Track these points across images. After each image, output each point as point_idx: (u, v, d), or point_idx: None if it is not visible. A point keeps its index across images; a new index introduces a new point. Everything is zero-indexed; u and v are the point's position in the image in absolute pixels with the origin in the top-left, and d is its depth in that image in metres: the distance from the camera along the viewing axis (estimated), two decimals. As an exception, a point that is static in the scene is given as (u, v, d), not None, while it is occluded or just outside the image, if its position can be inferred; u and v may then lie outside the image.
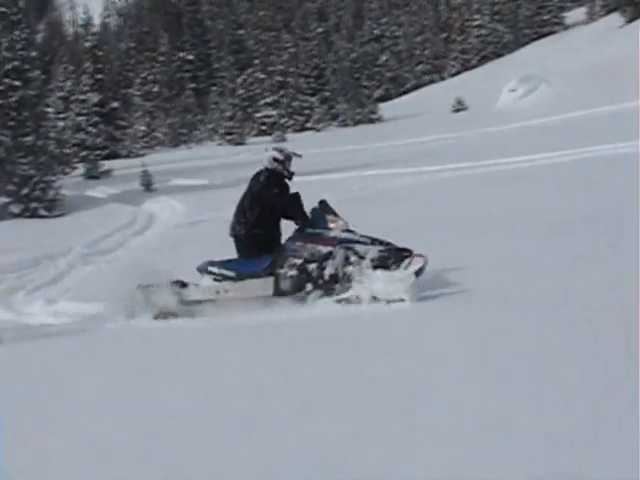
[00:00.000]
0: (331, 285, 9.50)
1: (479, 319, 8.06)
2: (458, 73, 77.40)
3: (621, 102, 33.35)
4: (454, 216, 15.77)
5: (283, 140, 53.80)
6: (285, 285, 9.66)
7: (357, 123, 61.93)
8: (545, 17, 79.64)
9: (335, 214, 10.09)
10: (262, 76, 70.92)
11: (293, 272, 9.67)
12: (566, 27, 78.78)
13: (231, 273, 10.04)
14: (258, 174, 10.34)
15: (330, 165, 31.13)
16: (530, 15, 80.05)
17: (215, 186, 30.14)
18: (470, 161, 25.79)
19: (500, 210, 15.55)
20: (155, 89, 75.83)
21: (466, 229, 13.96)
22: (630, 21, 66.63)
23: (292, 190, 10.33)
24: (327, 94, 70.34)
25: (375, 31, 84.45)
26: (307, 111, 66.31)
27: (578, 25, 77.14)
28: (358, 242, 9.67)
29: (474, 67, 76.69)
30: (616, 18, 68.49)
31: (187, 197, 28.10)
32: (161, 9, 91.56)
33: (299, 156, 10.48)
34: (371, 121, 61.54)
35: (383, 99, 72.95)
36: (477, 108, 51.39)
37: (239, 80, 68.58)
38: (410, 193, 21.62)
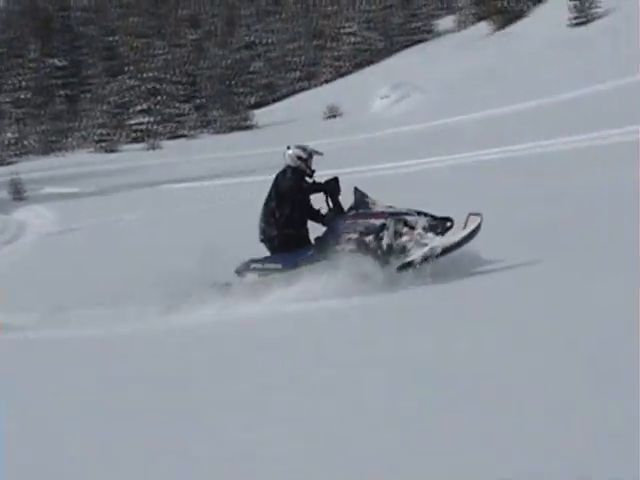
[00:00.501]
0: (388, 256, 9.48)
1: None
2: (331, 80, 78.15)
3: (489, 109, 34.33)
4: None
5: (159, 147, 53.44)
6: (346, 260, 9.55)
7: (231, 130, 61.96)
8: (416, 25, 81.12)
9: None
10: (134, 83, 70.21)
11: (351, 247, 9.67)
12: (437, 35, 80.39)
13: (277, 265, 10.04)
14: (282, 173, 10.32)
15: (198, 173, 31.01)
16: (401, 23, 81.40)
17: (87, 194, 29.75)
18: (339, 168, 26.03)
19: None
20: (25, 96, 74.22)
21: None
22: (498, 29, 68.60)
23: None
24: (200, 101, 70.14)
25: (248, 38, 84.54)
26: (180, 118, 66.03)
27: (448, 33, 78.84)
28: (407, 214, 9.75)
29: (347, 74, 77.57)
30: (485, 26, 70.38)
31: (59, 205, 27.66)
32: (31, 14, 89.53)
33: (321, 154, 10.50)
34: (245, 128, 61.64)
35: (257, 106, 73.10)
36: (350, 115, 52.07)
37: (111, 87, 67.75)
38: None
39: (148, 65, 74.42)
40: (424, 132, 34.83)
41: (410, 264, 9.24)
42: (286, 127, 55.07)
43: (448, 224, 9.54)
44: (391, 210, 9.82)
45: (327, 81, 78.52)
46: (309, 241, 10.23)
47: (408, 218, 9.65)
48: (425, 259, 9.14)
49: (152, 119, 64.80)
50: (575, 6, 58.39)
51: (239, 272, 10.28)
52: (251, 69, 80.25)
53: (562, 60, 43.89)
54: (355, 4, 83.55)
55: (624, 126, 21.51)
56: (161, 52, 73.78)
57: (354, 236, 9.62)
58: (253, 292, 9.78)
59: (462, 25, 77.82)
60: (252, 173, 29.46)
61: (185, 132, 64.52)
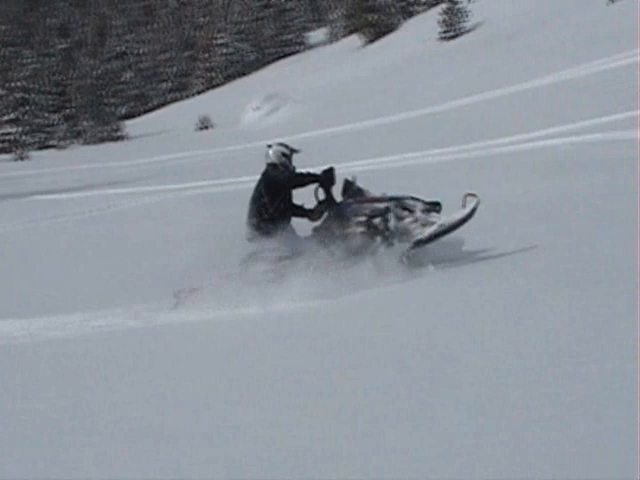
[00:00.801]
0: (394, 239, 9.75)
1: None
2: (203, 91, 77.98)
3: (359, 121, 34.78)
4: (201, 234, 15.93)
5: (27, 158, 52.25)
6: (357, 242, 9.77)
7: (101, 141, 61.12)
8: (288, 37, 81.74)
9: None
10: (1, 92, 68.50)
11: (361, 229, 9.87)
12: (309, 47, 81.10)
13: (286, 252, 10.12)
14: (268, 170, 10.36)
15: (68, 184, 30.49)
16: (274, 35, 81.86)
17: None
18: (212, 179, 26.06)
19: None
20: None
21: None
22: (369, 42, 69.68)
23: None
24: (70, 111, 68.94)
25: (119, 48, 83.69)
26: (49, 128, 64.79)
27: (320, 45, 79.62)
28: (404, 198, 10.07)
29: (219, 85, 77.55)
30: (356, 39, 71.36)
31: None
32: None
33: (299, 151, 10.46)
34: (116, 139, 60.92)
35: (128, 117, 72.35)
36: (222, 126, 51.97)
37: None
38: (153, 211, 21.56)
39: (16, 74, 72.72)
40: (294, 144, 34.96)
41: (422, 241, 9.66)
42: (157, 138, 54.63)
43: (438, 207, 9.99)
44: (389, 195, 10.16)
45: (199, 92, 78.34)
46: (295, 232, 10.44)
47: (406, 202, 10.01)
48: (436, 235, 9.62)
49: (20, 129, 63.35)
50: (444, 20, 59.83)
51: (246, 263, 10.34)
52: (122, 79, 79.44)
53: (432, 73, 44.82)
54: (227, 16, 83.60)
55: (486, 140, 22.13)
56: (29, 61, 72.29)
57: (362, 219, 9.89)
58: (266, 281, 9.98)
59: (334, 38, 78.75)
60: (123, 184, 29.10)
61: (55, 143, 63.33)
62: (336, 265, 9.64)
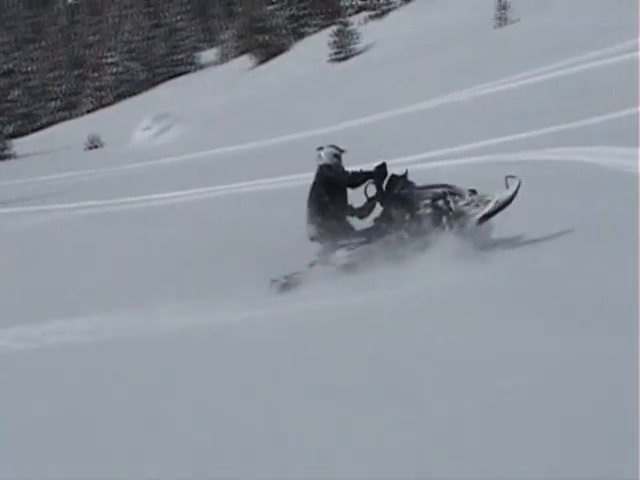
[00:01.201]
0: (455, 220, 10.45)
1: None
2: (93, 110, 76.97)
3: (249, 142, 34.76)
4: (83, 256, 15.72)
5: None
6: (427, 223, 10.40)
7: (-12, 160, 59.75)
8: (179, 57, 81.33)
9: None
10: None
11: (429, 210, 10.48)
12: (200, 67, 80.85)
13: (363, 239, 10.67)
14: (323, 171, 10.87)
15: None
16: (164, 54, 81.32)
17: None
18: (101, 199, 25.69)
19: (129, 249, 15.65)
20: None
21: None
22: (260, 63, 69.88)
23: None
24: (-46, 129, 67.27)
25: (6, 66, 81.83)
26: None
27: (211, 65, 79.44)
28: (452, 186, 10.78)
29: (109, 104, 76.66)
30: (247, 60, 71.49)
31: None
32: None
33: (345, 151, 11.09)
34: (3, 157, 59.59)
35: (16, 135, 70.84)
36: (112, 146, 51.35)
37: None
38: (42, 233, 21.17)
39: None
40: (187, 164, 34.82)
41: (487, 215, 10.40)
42: (46, 157, 53.63)
43: (477, 192, 10.78)
44: (440, 183, 10.88)
45: (89, 111, 77.30)
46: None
47: (455, 188, 10.75)
48: (495, 211, 10.36)
49: None
50: (335, 42, 60.43)
51: (324, 255, 10.80)
52: (9, 97, 77.79)
53: (322, 94, 45.15)
54: (117, 34, 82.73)
55: (377, 161, 22.35)
56: None
57: (428, 202, 10.53)
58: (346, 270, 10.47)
59: (225, 58, 78.69)
60: (10, 204, 28.47)
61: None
62: (408, 246, 10.22)
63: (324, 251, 10.84)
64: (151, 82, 79.14)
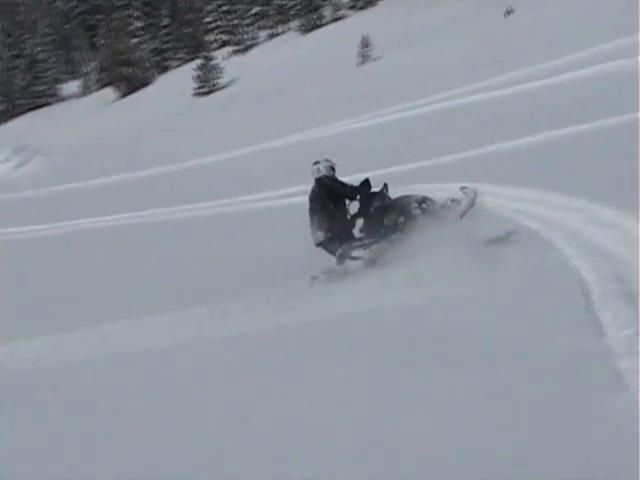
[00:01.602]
0: (439, 216, 11.50)
1: None
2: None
3: (112, 175, 34.25)
4: None
5: None
6: (419, 221, 11.45)
7: None
8: (40, 88, 79.75)
9: None
10: None
11: (419, 211, 11.65)
12: (62, 99, 79.53)
13: (375, 238, 11.65)
14: (326, 180, 11.87)
15: None
16: (25, 85, 79.64)
17: None
18: None
19: None
20: None
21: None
22: (123, 96, 69.20)
23: None
24: None
25: None
26: None
27: (74, 98, 78.24)
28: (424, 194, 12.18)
29: (-33, 136, 74.57)
30: (110, 93, 70.70)
31: None
32: None
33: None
34: None
35: None
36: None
37: None
38: None
39: None
40: (47, 197, 34.08)
41: (465, 211, 11.57)
42: None
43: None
44: (415, 194, 12.29)
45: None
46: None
47: (428, 195, 12.19)
48: (470, 207, 11.63)
49: None
50: (199, 76, 60.30)
51: (342, 256, 11.62)
52: None
53: (185, 128, 44.91)
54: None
55: (239, 196, 22.37)
56: None
57: (416, 204, 11.73)
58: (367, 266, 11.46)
59: (88, 90, 77.68)
60: None
61: None
62: (409, 240, 11.23)
63: (344, 251, 11.66)
64: (11, 113, 77.34)
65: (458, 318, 7.90)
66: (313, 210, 11.75)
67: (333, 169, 12.05)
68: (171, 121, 50.02)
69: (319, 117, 33.80)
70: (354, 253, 11.75)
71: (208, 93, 59.34)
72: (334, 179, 11.93)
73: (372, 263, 11.45)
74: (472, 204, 11.74)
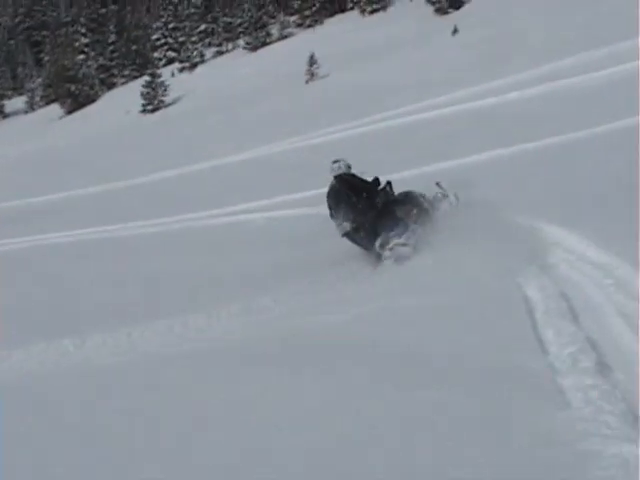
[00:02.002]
0: (434, 208, 12.90)
1: None
2: None
3: (54, 192, 33.86)
4: None
5: None
6: (428, 212, 12.70)
7: None
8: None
9: None
10: None
11: (427, 204, 12.85)
12: (5, 115, 78.75)
13: (411, 227, 12.32)
14: (342, 177, 12.81)
15: None
16: (-33, 101, 78.83)
17: None
18: None
19: None
20: None
21: None
22: (69, 113, 68.67)
23: None
24: None
25: None
26: None
27: (18, 114, 77.48)
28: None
29: None
30: (56, 109, 70.11)
31: None
32: None
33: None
34: None
35: None
36: None
37: None
38: None
39: None
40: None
41: (454, 203, 12.97)
42: None
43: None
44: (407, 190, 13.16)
45: None
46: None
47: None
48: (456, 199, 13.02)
49: None
50: (147, 93, 60.02)
51: (383, 245, 12.09)
52: None
53: (131, 146, 44.70)
54: None
55: (186, 213, 22.25)
56: None
57: (422, 199, 12.87)
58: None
59: (33, 107, 76.95)
60: None
61: None
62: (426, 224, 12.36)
63: (381, 245, 12.18)
64: (-48, 129, 76.44)
65: (398, 331, 7.86)
66: (336, 204, 12.69)
67: (349, 167, 13.10)
68: (118, 138, 49.75)
69: (269, 134, 33.80)
70: (395, 240, 12.28)
71: (155, 110, 59.12)
72: (353, 175, 12.95)
73: (414, 249, 12.12)
74: (457, 198, 12.96)
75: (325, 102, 38.76)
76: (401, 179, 17.80)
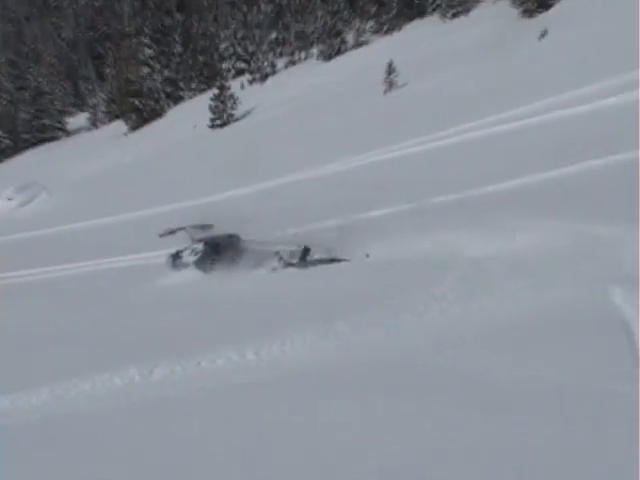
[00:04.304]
0: None
1: None
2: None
3: (123, 213, 34.48)
4: None
5: None
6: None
7: None
8: (45, 121, 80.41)
9: None
10: None
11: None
12: (69, 133, 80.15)
13: None
14: None
15: None
16: (29, 119, 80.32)
17: None
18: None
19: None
20: None
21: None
22: (135, 129, 69.74)
23: None
24: None
25: None
26: None
27: (82, 131, 78.88)
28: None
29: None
30: (121, 125, 71.27)
31: None
32: None
33: None
34: None
35: None
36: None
37: None
38: None
39: None
40: (53, 237, 34.33)
41: None
42: None
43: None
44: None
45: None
46: None
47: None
48: None
49: None
50: (217, 107, 60.58)
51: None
52: None
53: (202, 162, 45.25)
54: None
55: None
56: None
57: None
58: None
59: (96, 123, 78.31)
60: None
61: None
62: None
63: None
64: (15, 149, 78.07)
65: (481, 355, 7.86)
66: None
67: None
68: (185, 154, 50.33)
69: (344, 147, 33.94)
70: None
71: (224, 125, 59.67)
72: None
73: None
74: None
75: (404, 113, 38.76)
76: (479, 195, 17.82)
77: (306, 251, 16.71)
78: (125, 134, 69.75)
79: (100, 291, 19.44)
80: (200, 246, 17.56)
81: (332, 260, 16.30)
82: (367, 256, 15.81)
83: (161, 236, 16.50)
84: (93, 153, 63.83)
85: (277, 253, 16.91)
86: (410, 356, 8.49)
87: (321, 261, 16.18)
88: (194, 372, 9.95)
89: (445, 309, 10.37)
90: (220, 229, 18.30)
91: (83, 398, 9.47)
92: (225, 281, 16.52)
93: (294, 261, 16.53)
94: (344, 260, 16.14)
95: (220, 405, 8.03)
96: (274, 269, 16.61)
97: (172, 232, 16.61)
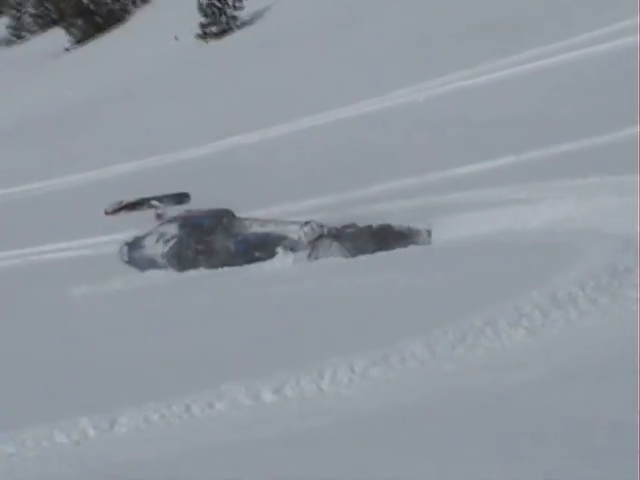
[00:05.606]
0: None
1: None
2: None
3: (58, 177, 34.96)
4: None
5: None
6: None
7: None
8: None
9: None
10: None
11: None
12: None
13: None
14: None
15: None
16: None
17: None
18: None
19: None
20: None
21: None
22: (81, 42, 70.02)
23: None
24: None
25: None
26: None
27: (1, 45, 79.35)
28: None
29: None
30: (61, 36, 71.49)
31: None
32: None
33: None
34: None
35: None
36: None
37: None
38: None
39: None
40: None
41: None
42: None
43: None
44: None
45: None
46: None
47: None
48: None
49: None
50: (207, 6, 60.34)
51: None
52: None
53: (183, 96, 45.54)
54: None
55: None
56: None
57: None
58: None
59: (21, 34, 78.83)
60: None
61: None
62: None
63: None
64: None
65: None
66: None
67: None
68: (161, 84, 50.32)
69: (398, 71, 34.30)
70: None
71: (222, 33, 58.71)
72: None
73: None
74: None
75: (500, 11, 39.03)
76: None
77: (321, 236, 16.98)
78: (67, 50, 69.42)
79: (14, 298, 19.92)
80: (173, 229, 16.99)
81: (405, 236, 16.48)
82: (429, 234, 16.06)
83: (108, 214, 15.48)
84: (15, 83, 63.97)
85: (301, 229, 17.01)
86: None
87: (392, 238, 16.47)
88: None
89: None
90: (203, 201, 18.06)
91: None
92: (214, 288, 16.72)
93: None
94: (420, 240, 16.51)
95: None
96: (295, 260, 16.66)
97: (127, 207, 15.65)
